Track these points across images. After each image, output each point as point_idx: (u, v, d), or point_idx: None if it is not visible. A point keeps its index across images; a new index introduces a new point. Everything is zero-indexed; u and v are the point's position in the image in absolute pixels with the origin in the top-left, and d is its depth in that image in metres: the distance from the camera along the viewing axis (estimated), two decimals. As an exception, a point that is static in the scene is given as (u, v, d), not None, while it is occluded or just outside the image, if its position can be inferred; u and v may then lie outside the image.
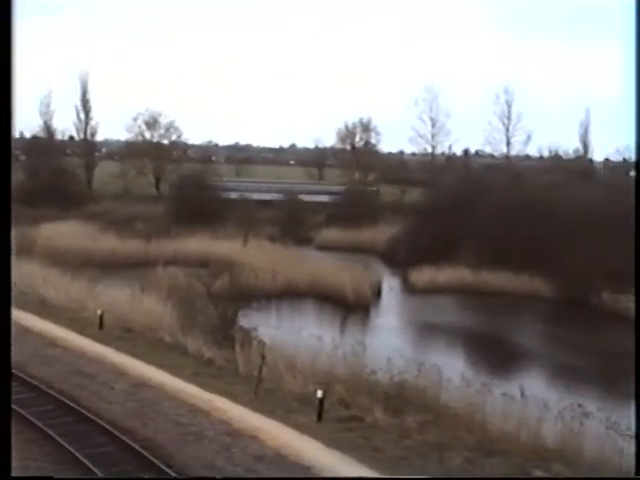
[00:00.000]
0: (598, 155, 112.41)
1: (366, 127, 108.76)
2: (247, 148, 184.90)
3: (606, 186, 64.32)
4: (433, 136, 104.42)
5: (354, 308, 45.47)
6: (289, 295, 47.35)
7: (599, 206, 51.06)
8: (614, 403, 26.56)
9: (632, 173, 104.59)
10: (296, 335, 30.10)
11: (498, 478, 14.78)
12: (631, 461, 18.81)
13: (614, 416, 21.19)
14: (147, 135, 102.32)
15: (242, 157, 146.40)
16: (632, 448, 18.50)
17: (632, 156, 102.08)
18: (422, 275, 53.46)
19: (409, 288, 53.58)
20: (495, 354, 38.43)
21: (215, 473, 17.13)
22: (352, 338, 33.33)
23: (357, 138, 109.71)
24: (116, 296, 35.93)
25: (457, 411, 22.38)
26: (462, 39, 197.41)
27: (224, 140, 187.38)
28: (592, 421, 21.09)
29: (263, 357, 24.52)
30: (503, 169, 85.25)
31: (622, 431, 19.50)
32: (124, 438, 18.74)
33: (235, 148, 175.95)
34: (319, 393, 21.24)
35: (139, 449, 18.03)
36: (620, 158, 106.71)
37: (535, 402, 22.52)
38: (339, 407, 22.13)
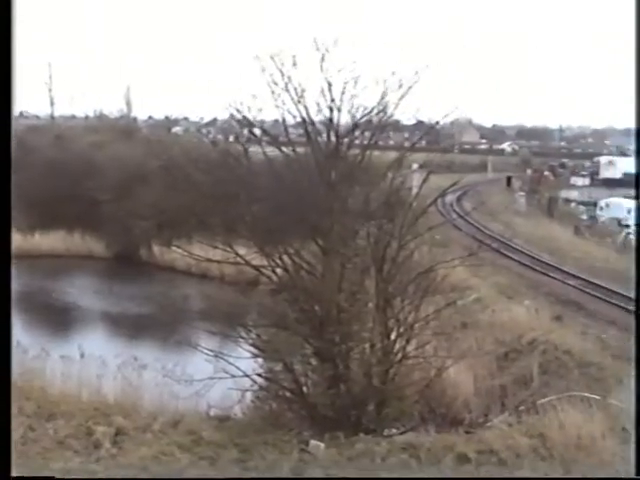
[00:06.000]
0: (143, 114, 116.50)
1: None
2: None
3: (148, 142, 66.25)
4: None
5: None
6: None
7: (141, 160, 52.23)
8: (169, 351, 27.86)
9: (175, 129, 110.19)
10: None
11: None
12: (191, 403, 20.10)
13: (169, 364, 22.16)
14: None
15: None
16: (187, 391, 19.70)
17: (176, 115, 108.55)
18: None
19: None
20: (53, 316, 38.15)
21: None
22: None
23: None
24: None
25: (15, 380, 21.95)
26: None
27: None
28: (150, 372, 22.06)
29: None
30: (48, 129, 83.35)
31: (177, 377, 20.49)
32: None
33: None
34: None
35: None
36: (162, 116, 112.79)
37: (94, 360, 22.90)
38: None
